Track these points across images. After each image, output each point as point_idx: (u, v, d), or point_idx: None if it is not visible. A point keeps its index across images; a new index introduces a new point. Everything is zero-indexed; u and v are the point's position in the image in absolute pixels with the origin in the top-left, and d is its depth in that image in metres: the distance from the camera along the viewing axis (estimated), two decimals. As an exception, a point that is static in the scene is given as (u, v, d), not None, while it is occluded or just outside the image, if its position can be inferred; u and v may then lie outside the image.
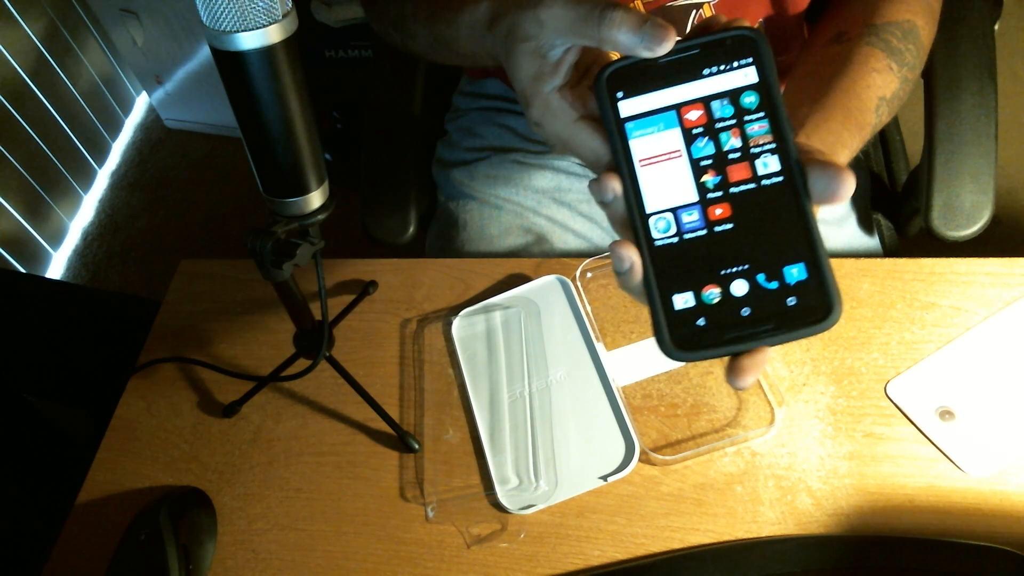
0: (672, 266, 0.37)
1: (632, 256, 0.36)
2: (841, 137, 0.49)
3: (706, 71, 0.37)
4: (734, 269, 0.36)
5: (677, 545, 0.55)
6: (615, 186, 0.37)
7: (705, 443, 0.59)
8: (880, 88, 0.54)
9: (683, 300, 0.36)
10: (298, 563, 0.57)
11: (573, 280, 0.68)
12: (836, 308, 0.35)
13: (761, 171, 0.36)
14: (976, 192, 0.71)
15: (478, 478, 0.60)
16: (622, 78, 0.38)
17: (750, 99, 0.37)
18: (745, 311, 0.36)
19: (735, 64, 0.37)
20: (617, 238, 0.38)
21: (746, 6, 0.67)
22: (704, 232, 0.36)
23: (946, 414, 0.57)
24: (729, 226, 0.36)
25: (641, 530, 0.56)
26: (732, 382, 0.37)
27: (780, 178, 0.36)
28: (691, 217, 0.37)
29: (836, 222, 0.77)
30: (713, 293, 0.36)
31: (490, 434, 0.61)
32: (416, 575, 0.56)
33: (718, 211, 0.36)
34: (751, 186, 0.36)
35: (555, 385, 0.63)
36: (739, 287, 0.36)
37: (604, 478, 0.58)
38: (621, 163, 0.38)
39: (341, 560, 0.57)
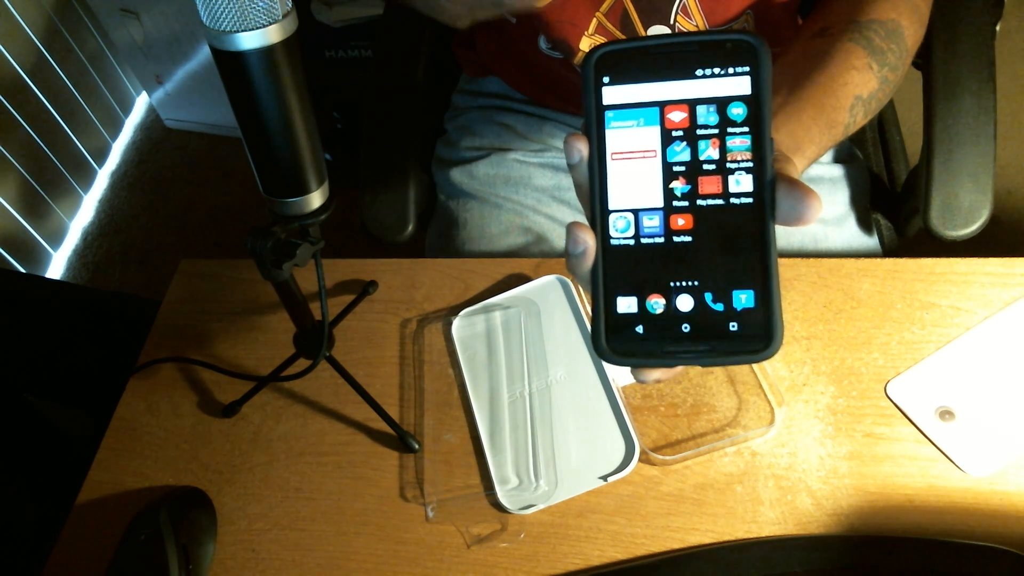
0: (623, 267, 0.36)
1: (588, 240, 0.36)
2: (810, 132, 0.48)
3: (699, 72, 0.35)
4: (683, 283, 0.35)
5: (677, 545, 0.55)
6: (581, 147, 0.36)
7: (705, 443, 0.59)
8: (857, 87, 0.53)
9: (626, 304, 0.36)
10: (298, 563, 0.57)
11: (573, 280, 0.68)
12: (776, 342, 0.34)
13: (732, 188, 0.35)
14: (974, 192, 0.71)
15: (478, 478, 0.60)
16: (612, 62, 0.36)
17: (738, 110, 0.35)
18: (685, 327, 0.35)
19: (730, 70, 0.35)
20: (580, 217, 0.37)
21: None
22: (662, 240, 0.36)
23: (946, 414, 0.58)
24: (688, 238, 0.35)
25: (641, 530, 0.56)
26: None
27: (749, 199, 0.35)
28: (652, 222, 0.36)
29: (835, 222, 0.77)
30: (658, 303, 0.35)
31: (490, 434, 0.61)
32: (416, 575, 0.56)
33: (680, 221, 0.35)
34: (719, 202, 0.35)
35: (555, 385, 0.63)
36: (685, 302, 0.35)
37: (604, 478, 0.58)
38: (593, 140, 0.36)
39: (341, 560, 0.57)
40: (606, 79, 0.36)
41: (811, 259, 0.67)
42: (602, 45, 0.36)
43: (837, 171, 0.80)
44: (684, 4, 0.66)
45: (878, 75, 0.55)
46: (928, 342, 0.61)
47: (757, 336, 0.34)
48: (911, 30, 0.58)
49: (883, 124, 0.94)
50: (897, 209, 0.84)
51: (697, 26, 0.67)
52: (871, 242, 0.79)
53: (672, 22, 0.67)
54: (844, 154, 0.83)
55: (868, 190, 0.82)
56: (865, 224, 0.79)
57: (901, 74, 0.58)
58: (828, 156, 0.82)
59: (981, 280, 0.64)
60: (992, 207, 0.71)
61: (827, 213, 0.77)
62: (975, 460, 0.55)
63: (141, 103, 2.02)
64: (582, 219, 0.87)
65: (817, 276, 0.66)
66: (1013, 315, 0.62)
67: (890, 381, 0.60)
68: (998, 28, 0.76)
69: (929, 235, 0.72)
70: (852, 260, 0.67)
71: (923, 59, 0.74)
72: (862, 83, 0.54)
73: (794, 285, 0.65)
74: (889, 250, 0.82)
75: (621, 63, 0.36)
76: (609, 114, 0.36)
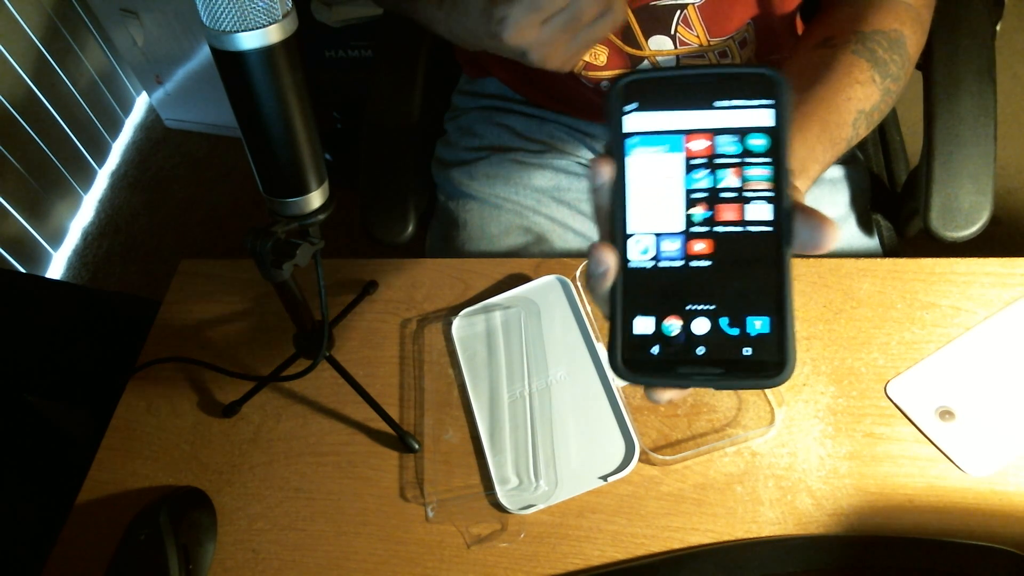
0: (640, 289, 0.36)
1: (610, 261, 0.36)
2: (815, 152, 0.48)
3: (721, 103, 0.36)
4: (700, 307, 0.36)
5: (677, 545, 0.55)
6: (605, 171, 0.37)
7: (705, 443, 0.59)
8: (860, 101, 0.53)
9: (643, 325, 0.36)
10: (298, 563, 0.57)
11: (573, 280, 0.68)
12: (788, 369, 0.35)
13: (751, 216, 0.36)
14: (975, 193, 0.71)
15: (478, 478, 0.60)
16: (637, 91, 0.37)
17: (758, 141, 0.36)
18: (700, 350, 0.35)
19: (753, 103, 0.36)
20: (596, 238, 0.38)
21: (732, 7, 0.67)
22: (680, 264, 0.36)
23: (946, 414, 0.58)
24: (706, 263, 0.36)
25: (641, 530, 0.56)
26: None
27: (768, 228, 0.36)
28: (671, 246, 0.36)
29: (836, 222, 0.77)
30: (674, 325, 0.36)
31: (490, 434, 0.61)
32: (416, 575, 0.56)
33: (699, 246, 0.36)
34: (737, 229, 0.36)
35: (555, 385, 0.63)
36: (700, 326, 0.36)
37: (604, 478, 0.58)
38: (616, 165, 0.37)
39: (341, 560, 0.57)
40: (630, 107, 0.37)
41: (811, 259, 0.67)
42: (627, 74, 0.37)
43: (837, 172, 0.80)
44: (685, 15, 0.66)
45: (880, 87, 0.55)
46: (928, 342, 0.61)
47: (770, 362, 0.35)
48: (913, 39, 0.58)
49: (883, 125, 0.94)
50: (897, 210, 0.84)
51: (698, 36, 0.67)
52: (871, 242, 0.79)
53: (673, 32, 0.67)
54: (844, 155, 0.83)
55: (868, 191, 0.82)
56: (865, 224, 0.79)
57: (903, 84, 0.58)
58: (828, 157, 0.82)
59: (981, 280, 0.64)
60: (992, 208, 0.71)
61: (827, 214, 0.77)
62: (975, 460, 0.55)
63: (141, 103, 2.02)
64: (583, 220, 0.87)
65: (817, 276, 0.66)
66: (1013, 315, 0.62)
67: (890, 381, 0.60)
68: (998, 28, 0.76)
69: (929, 236, 0.72)
70: (852, 260, 0.67)
71: (923, 59, 0.74)
72: (865, 97, 0.54)
73: (794, 285, 0.65)
74: (889, 250, 0.82)
75: (646, 92, 0.37)
76: (632, 140, 0.37)
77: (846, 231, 0.78)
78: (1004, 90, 0.76)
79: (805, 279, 0.66)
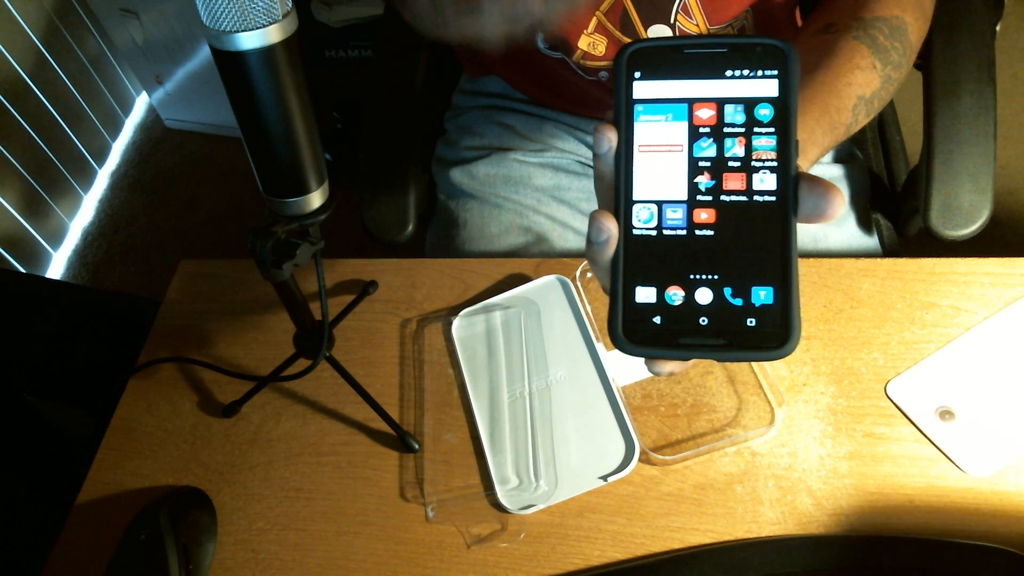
0: (643, 258, 0.36)
1: (611, 229, 0.36)
2: (814, 134, 0.48)
3: (728, 72, 0.36)
4: (703, 276, 0.35)
5: (677, 545, 0.55)
6: (611, 136, 0.37)
7: (705, 443, 0.59)
8: (860, 87, 0.53)
9: (645, 294, 0.36)
10: (298, 563, 0.57)
11: (573, 280, 0.68)
12: (792, 340, 0.34)
13: (756, 186, 0.36)
14: (974, 192, 0.71)
15: (478, 478, 0.60)
16: (644, 59, 0.37)
17: (765, 111, 0.36)
18: (703, 320, 0.35)
19: (759, 73, 0.36)
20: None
21: None
22: (684, 232, 0.36)
23: (946, 414, 0.58)
24: (710, 232, 0.36)
25: (641, 530, 0.56)
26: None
27: (772, 198, 0.35)
28: (675, 214, 0.36)
29: (835, 222, 0.77)
30: (676, 295, 0.35)
31: (490, 434, 0.61)
32: (416, 575, 0.56)
33: (703, 215, 0.36)
34: (742, 199, 0.36)
35: (555, 385, 0.63)
36: (704, 295, 0.35)
37: (604, 478, 0.58)
38: (621, 132, 0.37)
39: (341, 560, 0.57)
40: (637, 74, 0.37)
41: (811, 259, 0.67)
42: (636, 42, 0.37)
43: (837, 171, 0.80)
44: (684, 3, 0.66)
45: (881, 74, 0.55)
46: (928, 342, 0.61)
47: (774, 333, 0.34)
48: (915, 27, 0.58)
49: (883, 124, 0.94)
50: (897, 209, 0.84)
51: (698, 25, 0.67)
52: (871, 242, 0.79)
53: (672, 21, 0.67)
54: (844, 154, 0.83)
55: (868, 190, 0.82)
56: (865, 224, 0.79)
57: (904, 72, 0.58)
58: (828, 156, 0.82)
59: (981, 280, 0.64)
60: (992, 207, 0.71)
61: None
62: (975, 460, 0.55)
63: (141, 103, 2.02)
64: (583, 219, 0.87)
65: (817, 276, 0.66)
66: (1013, 315, 0.62)
67: (890, 381, 0.60)
68: (998, 28, 0.76)
69: (929, 235, 0.72)
70: (852, 260, 0.67)
71: (923, 59, 0.74)
72: (866, 83, 0.54)
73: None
74: (889, 250, 0.82)
75: (653, 60, 0.37)
76: (638, 107, 0.37)
77: (846, 230, 0.78)
78: (1004, 90, 0.76)
79: (805, 279, 0.66)
